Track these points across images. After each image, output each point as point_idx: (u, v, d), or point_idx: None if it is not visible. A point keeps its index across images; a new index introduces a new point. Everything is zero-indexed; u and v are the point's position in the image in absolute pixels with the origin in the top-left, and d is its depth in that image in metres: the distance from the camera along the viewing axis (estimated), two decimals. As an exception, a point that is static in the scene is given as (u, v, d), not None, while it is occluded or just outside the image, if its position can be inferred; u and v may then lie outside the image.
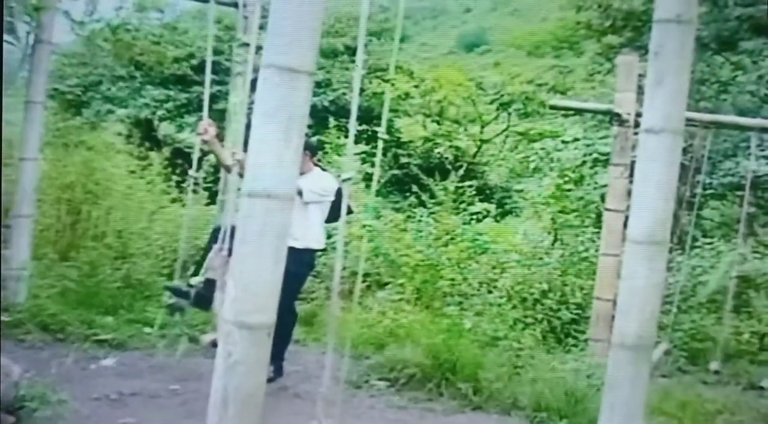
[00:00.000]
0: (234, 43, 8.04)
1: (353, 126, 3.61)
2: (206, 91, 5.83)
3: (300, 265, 6.52)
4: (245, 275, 2.68)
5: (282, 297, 2.75)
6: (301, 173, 6.25)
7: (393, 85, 12.64)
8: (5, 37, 6.51)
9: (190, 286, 6.57)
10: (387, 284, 10.16)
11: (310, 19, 2.64)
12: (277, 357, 6.64)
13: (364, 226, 5.48)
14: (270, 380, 7.01)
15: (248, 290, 2.68)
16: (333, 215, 6.98)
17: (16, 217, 7.84)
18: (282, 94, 2.62)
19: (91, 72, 19.31)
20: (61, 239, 9.15)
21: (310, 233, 6.74)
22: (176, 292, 6.86)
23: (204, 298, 6.45)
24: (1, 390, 4.55)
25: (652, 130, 3.10)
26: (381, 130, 3.55)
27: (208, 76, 5.90)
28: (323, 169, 7.23)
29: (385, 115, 3.66)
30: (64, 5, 8.82)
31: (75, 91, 19.11)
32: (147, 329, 7.93)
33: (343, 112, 15.70)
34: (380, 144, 3.62)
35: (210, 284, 6.33)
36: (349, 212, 7.11)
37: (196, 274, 6.55)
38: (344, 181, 3.83)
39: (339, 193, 6.94)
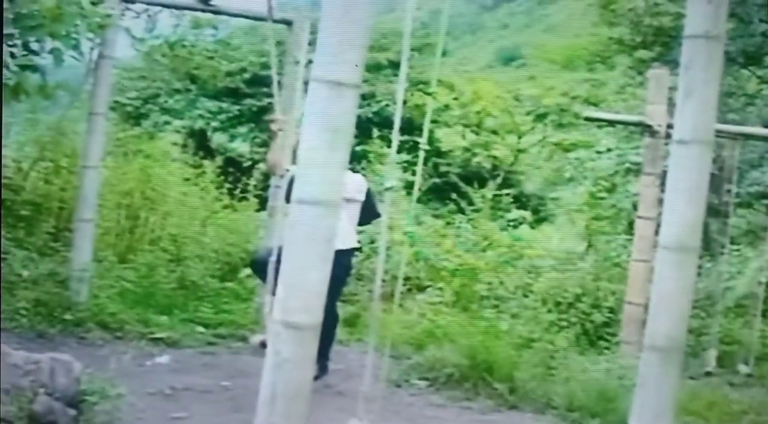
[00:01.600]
0: (285, 59, 8.08)
1: (396, 137, 3.62)
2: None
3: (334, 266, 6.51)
4: (293, 278, 2.71)
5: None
6: None
7: (436, 99, 12.58)
8: (71, 53, 6.58)
9: None
10: (427, 287, 10.15)
11: (356, 35, 2.66)
12: (322, 356, 6.64)
13: (405, 232, 5.48)
14: (316, 378, 7.02)
15: (296, 292, 2.70)
16: (365, 217, 6.93)
17: (79, 221, 7.93)
18: (329, 106, 2.64)
19: (150, 85, 19.54)
20: (121, 242, 9.23)
21: (339, 234, 6.68)
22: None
23: None
24: (63, 384, 4.60)
25: (682, 142, 3.07)
26: (422, 142, 3.56)
27: (275, 85, 5.95)
28: (354, 171, 7.16)
29: (427, 127, 3.66)
30: (125, 23, 8.92)
31: (134, 103, 19.34)
32: (200, 329, 8.00)
33: (386, 123, 15.71)
34: (422, 155, 3.63)
35: None
36: (377, 215, 7.03)
37: None
38: (386, 189, 3.84)
39: (369, 194, 6.92)
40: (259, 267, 6.76)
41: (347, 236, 6.68)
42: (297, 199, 2.68)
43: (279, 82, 8.16)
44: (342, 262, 6.76)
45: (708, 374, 8.21)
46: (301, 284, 2.71)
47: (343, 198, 6.64)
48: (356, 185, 6.78)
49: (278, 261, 5.84)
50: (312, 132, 2.67)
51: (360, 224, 6.95)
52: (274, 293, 3.16)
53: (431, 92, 4.26)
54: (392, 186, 4.02)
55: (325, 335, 6.41)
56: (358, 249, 7.26)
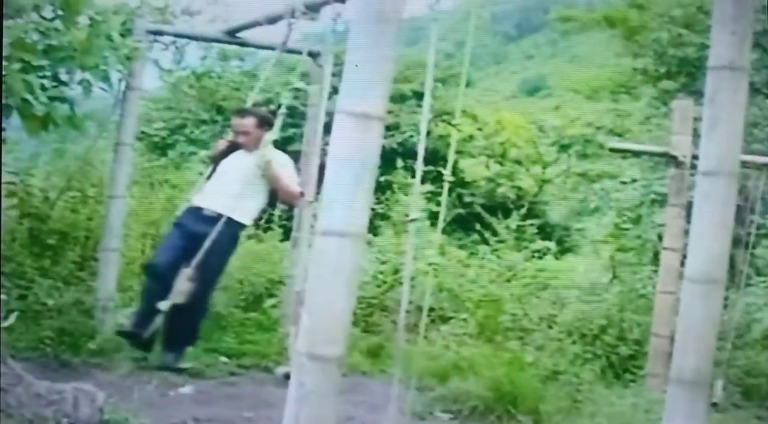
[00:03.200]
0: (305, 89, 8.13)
1: (420, 168, 3.63)
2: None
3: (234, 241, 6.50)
4: (318, 309, 2.71)
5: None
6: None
7: (460, 130, 12.64)
8: (100, 84, 6.68)
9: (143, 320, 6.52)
10: (451, 318, 10.11)
11: (382, 67, 2.69)
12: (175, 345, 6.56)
13: (430, 263, 5.47)
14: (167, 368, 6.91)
15: (321, 323, 2.71)
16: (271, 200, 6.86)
17: (104, 250, 7.97)
18: (355, 138, 2.67)
19: (177, 116, 19.68)
20: (146, 272, 9.25)
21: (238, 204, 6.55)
22: (126, 335, 6.84)
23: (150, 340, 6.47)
24: (86, 414, 4.61)
25: (708, 173, 3.07)
26: (447, 173, 3.57)
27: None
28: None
29: (451, 158, 3.68)
30: (153, 54, 9.02)
31: (161, 133, 19.48)
32: (223, 359, 7.99)
33: (410, 153, 15.74)
34: (446, 186, 3.63)
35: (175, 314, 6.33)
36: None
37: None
38: (411, 221, 3.84)
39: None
40: (156, 271, 6.69)
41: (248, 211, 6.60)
42: (322, 230, 2.70)
43: (304, 114, 8.21)
44: (230, 232, 6.57)
45: (714, 405, 8.10)
46: (326, 315, 2.72)
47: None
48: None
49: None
50: (337, 163, 2.68)
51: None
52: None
53: (456, 124, 4.27)
54: (417, 217, 4.02)
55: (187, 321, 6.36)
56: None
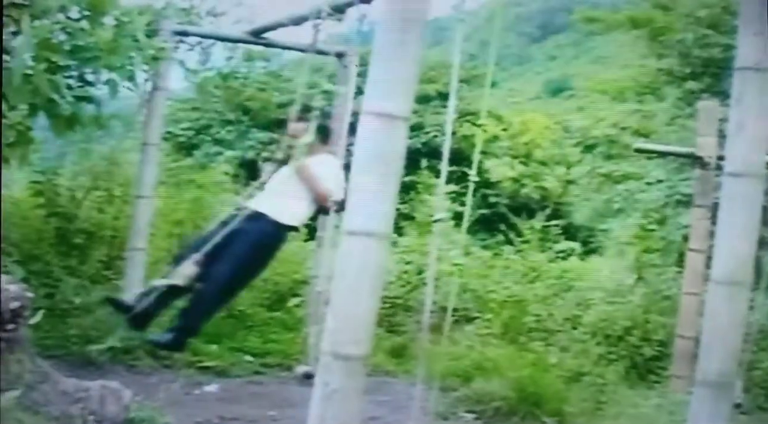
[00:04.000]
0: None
1: (445, 168, 3.63)
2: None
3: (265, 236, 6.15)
4: (343, 309, 2.72)
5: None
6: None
7: (485, 131, 12.54)
8: (126, 84, 6.71)
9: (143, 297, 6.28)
10: (475, 318, 10.09)
11: (407, 68, 2.69)
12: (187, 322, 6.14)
13: (454, 264, 5.46)
14: (164, 346, 6.47)
15: (345, 323, 2.71)
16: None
17: (131, 250, 8.02)
18: (380, 138, 2.67)
19: (203, 116, 19.79)
20: (171, 271, 9.29)
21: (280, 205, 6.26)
22: (117, 305, 6.41)
23: (141, 316, 6.16)
24: (112, 412, 4.65)
25: (734, 174, 3.05)
26: (472, 173, 3.56)
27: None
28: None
29: (476, 159, 3.67)
30: (179, 55, 9.06)
31: (187, 134, 19.59)
32: (248, 358, 8.03)
33: (434, 154, 15.71)
34: (471, 187, 3.62)
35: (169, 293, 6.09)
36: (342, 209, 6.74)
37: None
38: (435, 221, 3.84)
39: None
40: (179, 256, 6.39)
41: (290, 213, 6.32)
42: (348, 230, 2.70)
43: (328, 113, 8.21)
44: (274, 233, 6.27)
45: (737, 406, 8.02)
46: (351, 315, 2.72)
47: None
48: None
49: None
50: (362, 163, 2.69)
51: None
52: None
53: (480, 124, 4.26)
54: (441, 218, 4.02)
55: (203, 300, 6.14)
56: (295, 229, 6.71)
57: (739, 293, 3.08)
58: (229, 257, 5.94)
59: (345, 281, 2.70)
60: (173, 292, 5.98)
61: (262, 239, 6.06)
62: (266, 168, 6.54)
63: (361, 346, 2.73)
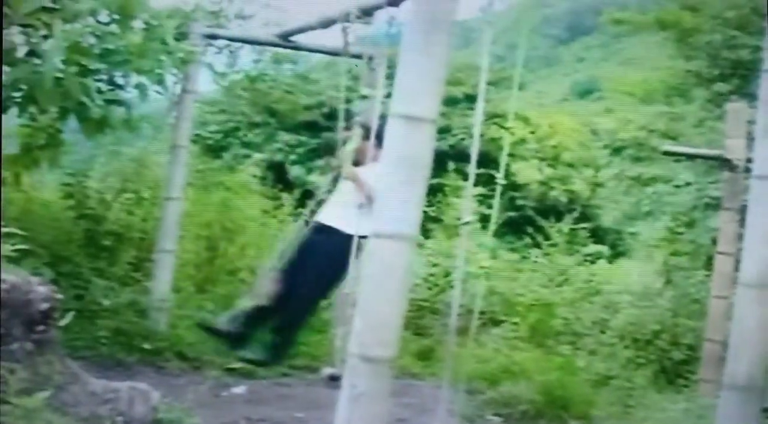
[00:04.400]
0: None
1: (473, 171, 3.63)
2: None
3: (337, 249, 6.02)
4: (370, 311, 2.72)
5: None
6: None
7: (512, 133, 12.57)
8: (156, 87, 6.76)
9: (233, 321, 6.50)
10: (502, 321, 10.07)
11: (434, 71, 2.69)
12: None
13: (481, 266, 5.46)
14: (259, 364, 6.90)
15: (372, 326, 2.72)
16: None
17: (160, 252, 8.07)
18: (407, 141, 2.67)
19: (231, 119, 19.89)
20: (200, 272, 9.33)
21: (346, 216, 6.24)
22: (212, 332, 6.78)
23: (237, 339, 6.45)
24: (141, 413, 4.67)
25: (762, 177, 3.03)
26: (499, 176, 3.56)
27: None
28: None
29: (504, 161, 3.68)
30: (208, 58, 9.11)
31: (215, 136, 19.70)
32: (275, 359, 8.04)
33: (461, 156, 15.69)
34: (498, 190, 3.63)
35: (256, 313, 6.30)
36: None
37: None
38: (462, 224, 3.84)
39: None
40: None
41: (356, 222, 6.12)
42: (374, 232, 2.71)
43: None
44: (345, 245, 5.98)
45: (765, 410, 7.95)
46: (377, 317, 2.73)
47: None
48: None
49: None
50: (389, 166, 2.70)
51: None
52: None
53: (508, 127, 4.26)
54: (469, 221, 4.02)
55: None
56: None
57: (767, 296, 3.06)
58: (308, 273, 6.13)
59: (372, 284, 2.71)
60: (260, 311, 6.21)
61: (333, 252, 6.06)
62: (323, 181, 6.65)
63: (388, 348, 2.73)
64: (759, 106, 3.06)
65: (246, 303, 6.44)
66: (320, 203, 6.71)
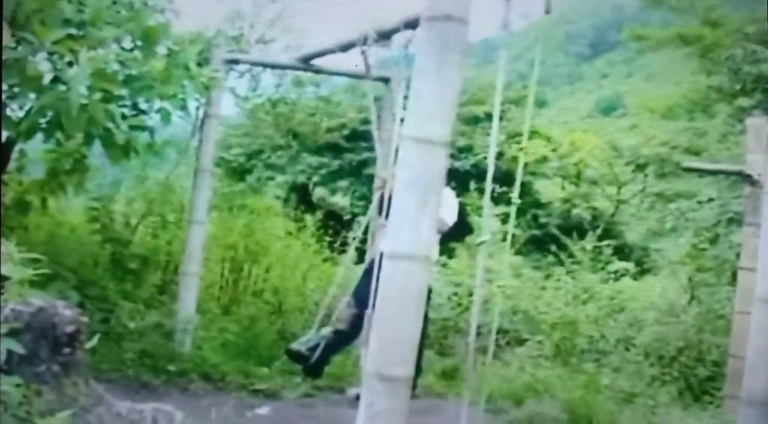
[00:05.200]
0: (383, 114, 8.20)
1: (489, 189, 3.67)
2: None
3: None
4: (386, 330, 2.76)
5: None
6: None
7: (526, 153, 12.53)
8: (178, 112, 6.84)
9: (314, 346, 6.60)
10: (526, 340, 10.06)
11: (447, 94, 2.74)
12: None
13: (499, 285, 5.50)
14: None
15: (389, 345, 2.76)
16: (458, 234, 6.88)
17: (184, 274, 8.14)
18: (420, 163, 2.71)
19: (254, 142, 19.96)
20: (224, 294, 9.39)
21: None
22: (295, 356, 6.83)
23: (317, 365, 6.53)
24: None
25: (776, 193, 3.05)
26: (514, 196, 3.60)
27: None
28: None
29: (518, 181, 3.72)
30: (230, 83, 9.21)
31: (239, 159, 19.78)
32: (299, 380, 8.07)
33: (483, 175, 15.59)
34: (514, 208, 3.67)
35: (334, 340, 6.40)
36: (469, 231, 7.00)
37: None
38: (480, 244, 3.88)
39: (460, 212, 6.92)
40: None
41: None
42: (389, 253, 2.75)
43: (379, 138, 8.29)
44: None
45: None
46: (394, 336, 2.76)
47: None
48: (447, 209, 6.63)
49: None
50: (403, 188, 2.74)
51: (456, 239, 6.95)
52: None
53: (523, 147, 4.30)
54: (486, 240, 4.05)
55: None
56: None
57: (784, 312, 3.07)
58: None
59: (388, 303, 2.75)
60: (339, 337, 6.31)
61: None
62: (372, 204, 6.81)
63: (405, 367, 2.77)
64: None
65: (323, 331, 6.57)
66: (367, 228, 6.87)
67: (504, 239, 11.15)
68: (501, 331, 9.89)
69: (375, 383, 2.75)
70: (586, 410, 7.09)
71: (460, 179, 15.98)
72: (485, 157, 18.67)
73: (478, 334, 3.96)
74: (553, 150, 20.61)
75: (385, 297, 2.76)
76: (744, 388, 3.14)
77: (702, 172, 11.29)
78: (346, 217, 17.85)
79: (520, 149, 4.08)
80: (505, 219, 11.80)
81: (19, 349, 3.65)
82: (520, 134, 17.41)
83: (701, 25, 14.46)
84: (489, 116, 19.38)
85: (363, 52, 6.26)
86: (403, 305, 2.73)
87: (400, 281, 2.72)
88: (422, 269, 2.74)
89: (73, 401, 4.29)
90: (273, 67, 9.50)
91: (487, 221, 4.46)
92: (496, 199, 7.26)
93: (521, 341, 10.10)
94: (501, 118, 18.65)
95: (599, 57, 76.15)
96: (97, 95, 5.73)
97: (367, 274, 6.39)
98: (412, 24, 5.17)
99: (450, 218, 6.61)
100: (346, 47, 6.78)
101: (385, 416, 2.74)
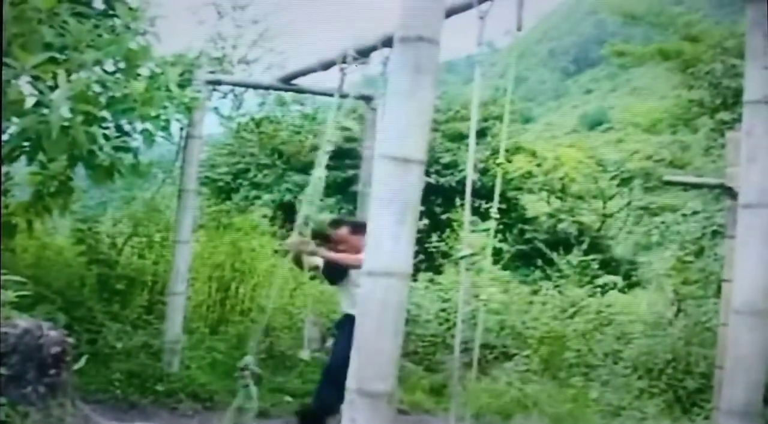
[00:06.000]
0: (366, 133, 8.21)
1: (468, 203, 3.70)
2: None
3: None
4: (367, 347, 2.78)
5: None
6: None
7: (503, 168, 12.59)
8: (161, 134, 6.85)
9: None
10: (514, 355, 10.08)
11: (420, 113, 2.77)
12: None
13: (482, 300, 5.51)
14: None
15: (370, 361, 2.78)
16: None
17: (171, 294, 8.14)
18: (396, 181, 2.74)
19: (240, 161, 19.97)
20: (212, 314, 9.38)
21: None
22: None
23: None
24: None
25: (748, 206, 3.09)
26: (493, 210, 3.64)
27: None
28: None
29: (497, 194, 3.76)
30: (213, 103, 9.23)
31: (225, 178, 19.77)
32: (288, 398, 8.08)
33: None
34: (493, 223, 3.71)
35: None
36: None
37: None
38: (461, 258, 3.90)
39: None
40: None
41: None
42: (368, 271, 2.78)
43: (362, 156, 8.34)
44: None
45: None
46: (375, 352, 2.79)
47: None
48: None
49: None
50: (379, 206, 2.77)
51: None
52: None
53: (500, 163, 4.35)
54: (466, 255, 4.08)
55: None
56: None
57: (760, 323, 3.10)
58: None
59: (368, 320, 2.77)
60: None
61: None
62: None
63: (386, 382, 2.79)
64: (742, 138, 3.12)
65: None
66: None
67: (493, 254, 11.21)
68: (489, 346, 9.91)
69: (356, 399, 2.77)
70: (573, 424, 7.12)
71: (445, 195, 16.00)
72: (471, 174, 18.76)
73: (465, 350, 3.98)
74: (539, 165, 20.67)
75: (365, 313, 2.78)
76: (723, 399, 3.17)
77: (685, 186, 11.34)
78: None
79: (498, 164, 4.08)
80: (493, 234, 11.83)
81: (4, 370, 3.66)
82: (507, 150, 17.48)
83: (681, 41, 14.58)
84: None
85: (341, 70, 6.29)
86: (383, 321, 2.76)
87: (380, 296, 2.75)
88: (401, 285, 2.77)
89: (59, 421, 4.30)
90: (255, 87, 9.53)
91: (467, 236, 4.46)
92: (483, 215, 7.29)
93: (509, 356, 10.12)
94: (485, 135, 18.79)
95: (583, 73, 76.51)
96: (79, 118, 5.73)
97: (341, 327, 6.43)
98: (389, 42, 5.22)
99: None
100: (327, 66, 6.81)
101: (367, 432, 2.76)
